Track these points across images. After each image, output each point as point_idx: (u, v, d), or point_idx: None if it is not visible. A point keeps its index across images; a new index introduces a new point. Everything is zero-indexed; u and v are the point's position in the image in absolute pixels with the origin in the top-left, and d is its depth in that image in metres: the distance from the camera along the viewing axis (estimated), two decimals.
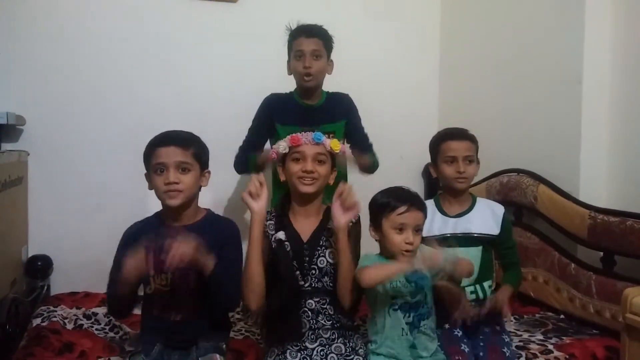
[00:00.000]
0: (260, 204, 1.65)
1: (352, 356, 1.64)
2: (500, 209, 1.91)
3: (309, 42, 2.13)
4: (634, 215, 1.97)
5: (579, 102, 2.25)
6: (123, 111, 2.62)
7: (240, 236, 1.68)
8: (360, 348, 1.67)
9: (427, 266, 1.52)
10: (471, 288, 1.85)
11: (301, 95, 2.24)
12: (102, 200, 2.57)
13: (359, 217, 1.74)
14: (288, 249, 1.68)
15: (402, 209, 1.58)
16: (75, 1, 2.55)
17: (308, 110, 2.21)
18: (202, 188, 1.66)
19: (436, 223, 1.86)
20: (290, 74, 2.22)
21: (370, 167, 2.21)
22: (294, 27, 2.20)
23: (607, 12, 2.23)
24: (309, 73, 2.12)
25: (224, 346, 1.67)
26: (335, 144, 1.73)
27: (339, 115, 2.24)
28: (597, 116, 2.25)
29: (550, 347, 1.87)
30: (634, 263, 1.98)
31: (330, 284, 1.68)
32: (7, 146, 2.43)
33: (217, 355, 1.56)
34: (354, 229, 1.73)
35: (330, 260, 1.69)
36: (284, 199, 1.80)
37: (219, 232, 1.64)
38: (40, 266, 2.43)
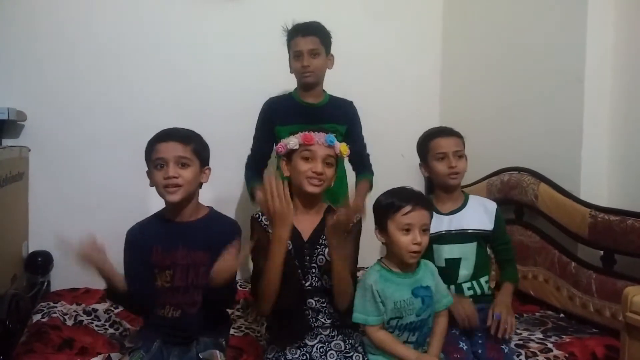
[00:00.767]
0: (284, 231, 1.55)
1: (352, 353, 1.63)
2: (492, 205, 1.92)
3: (306, 42, 2.14)
4: (634, 214, 1.97)
5: (580, 101, 2.24)
6: (124, 107, 2.62)
7: (241, 235, 1.67)
8: (360, 345, 1.67)
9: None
10: (468, 284, 1.86)
11: (302, 94, 2.24)
12: (102, 195, 2.57)
13: (360, 217, 1.74)
14: (290, 247, 1.67)
15: (407, 208, 1.56)
16: None
17: (309, 108, 2.21)
18: (203, 185, 1.66)
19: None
20: (292, 72, 2.24)
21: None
22: (290, 27, 2.20)
23: (609, 10, 2.23)
24: (308, 70, 2.15)
25: (224, 342, 1.67)
26: (345, 149, 1.72)
27: (341, 119, 2.24)
28: (598, 115, 2.25)
29: (550, 345, 1.87)
30: (634, 262, 1.98)
31: (330, 283, 1.67)
32: (8, 142, 2.43)
33: (217, 352, 1.56)
34: (355, 228, 1.72)
35: (329, 258, 1.68)
36: None
37: (221, 230, 1.63)
38: (41, 262, 2.43)
